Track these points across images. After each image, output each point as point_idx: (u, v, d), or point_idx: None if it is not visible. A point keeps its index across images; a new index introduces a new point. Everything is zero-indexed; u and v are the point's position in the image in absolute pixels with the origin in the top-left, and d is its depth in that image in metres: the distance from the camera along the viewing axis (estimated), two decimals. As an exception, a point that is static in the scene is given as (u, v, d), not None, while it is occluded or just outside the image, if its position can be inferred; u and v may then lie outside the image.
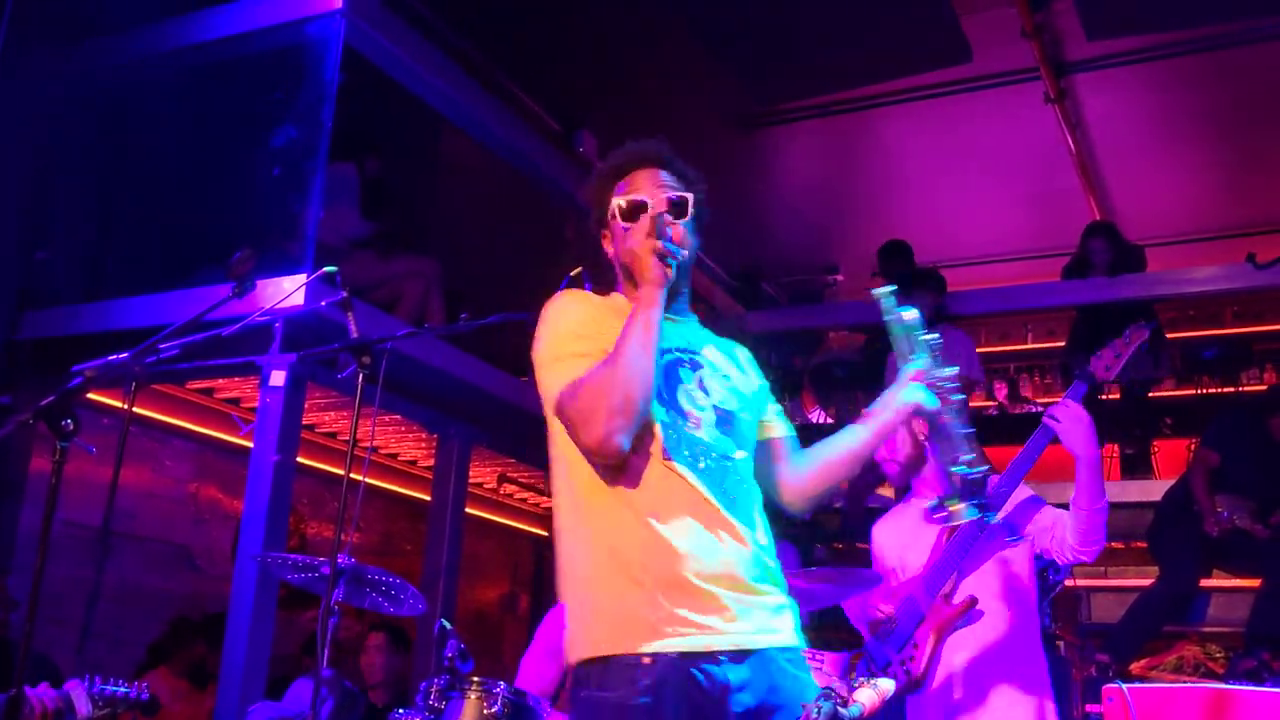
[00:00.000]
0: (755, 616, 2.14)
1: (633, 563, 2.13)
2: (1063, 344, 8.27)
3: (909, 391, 2.39)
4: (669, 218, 2.28)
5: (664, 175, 2.37)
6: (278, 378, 4.60)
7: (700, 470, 2.20)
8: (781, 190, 9.29)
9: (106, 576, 5.66)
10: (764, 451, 2.42)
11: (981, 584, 3.39)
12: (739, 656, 2.09)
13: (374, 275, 5.88)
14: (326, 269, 3.73)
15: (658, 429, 2.20)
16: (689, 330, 2.41)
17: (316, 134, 4.96)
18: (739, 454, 2.27)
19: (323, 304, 4.11)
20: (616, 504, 2.18)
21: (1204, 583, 5.99)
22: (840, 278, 10.43)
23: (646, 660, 2.04)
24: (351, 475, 3.40)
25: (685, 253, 2.29)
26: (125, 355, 2.54)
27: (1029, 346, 10.04)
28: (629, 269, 2.30)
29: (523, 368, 6.36)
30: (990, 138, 8.28)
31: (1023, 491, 3.47)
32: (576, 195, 7.21)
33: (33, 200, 5.45)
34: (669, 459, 2.18)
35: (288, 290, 4.35)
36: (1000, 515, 3.40)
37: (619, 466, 2.17)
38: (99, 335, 4.92)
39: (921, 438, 3.59)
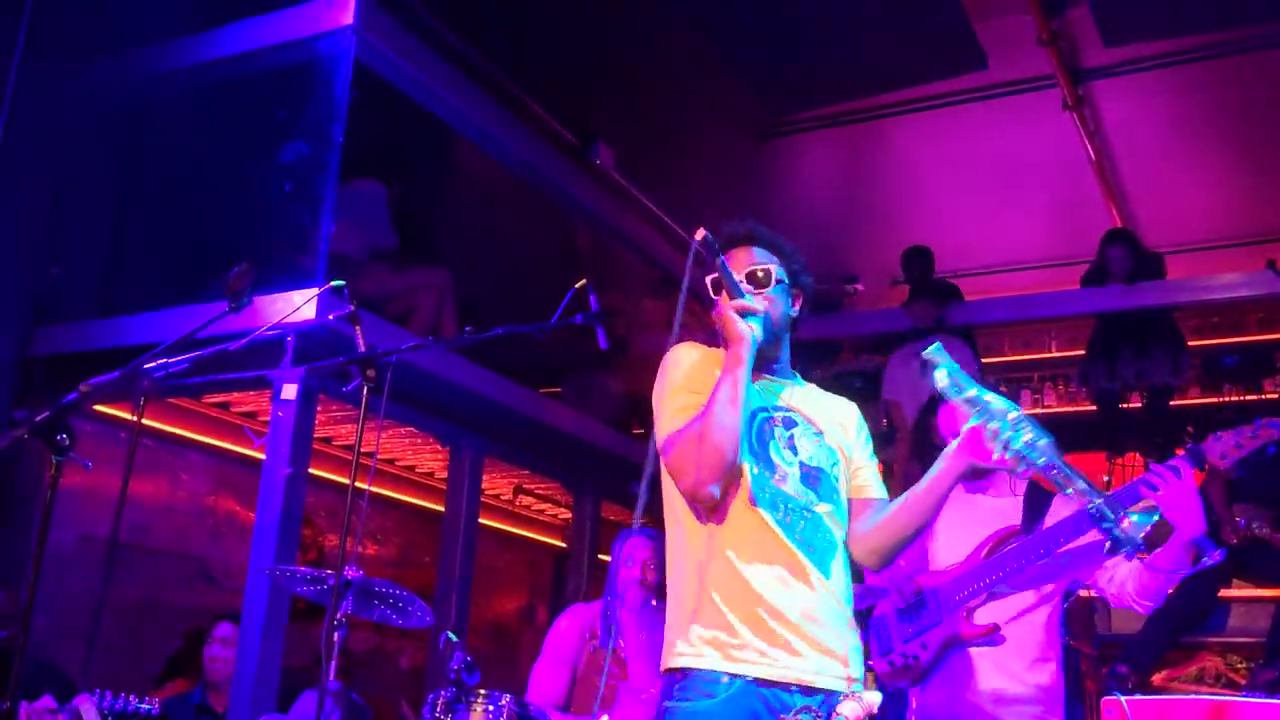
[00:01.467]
0: (820, 658, 2.33)
1: (718, 593, 2.39)
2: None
3: (958, 451, 2.41)
4: (748, 286, 2.52)
5: (755, 251, 2.61)
6: (289, 391, 4.63)
7: (780, 519, 2.42)
8: (799, 200, 9.28)
9: (124, 590, 5.70)
10: (852, 509, 2.58)
11: (1011, 607, 3.31)
12: (808, 691, 2.29)
13: (388, 288, 5.91)
14: (334, 283, 3.75)
15: (747, 478, 2.44)
16: (787, 389, 2.62)
17: (328, 150, 5.00)
18: (820, 507, 2.46)
19: (330, 318, 4.13)
20: (708, 540, 2.43)
21: (1225, 593, 5.92)
22: (860, 287, 10.40)
23: (724, 679, 2.31)
24: (357, 484, 3.41)
25: (765, 312, 2.47)
26: (115, 374, 2.55)
27: (1053, 355, 9.94)
28: (722, 335, 2.47)
29: (537, 381, 6.41)
30: (1008, 145, 8.25)
31: (1093, 534, 3.26)
32: (591, 206, 7.22)
33: (47, 217, 5.50)
34: (754, 506, 2.42)
35: (298, 304, 4.38)
36: (1065, 549, 3.24)
37: (713, 508, 2.42)
38: (112, 351, 4.96)
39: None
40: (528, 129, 6.64)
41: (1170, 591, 5.65)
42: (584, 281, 3.35)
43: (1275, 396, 8.33)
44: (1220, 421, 6.97)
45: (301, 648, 5.73)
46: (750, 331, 2.40)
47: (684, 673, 2.35)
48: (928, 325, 7.18)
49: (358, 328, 3.65)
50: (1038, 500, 3.42)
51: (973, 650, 3.32)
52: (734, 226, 2.65)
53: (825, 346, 9.40)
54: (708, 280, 2.53)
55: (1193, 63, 7.34)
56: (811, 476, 2.49)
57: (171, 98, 5.66)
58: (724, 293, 2.48)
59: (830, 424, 2.60)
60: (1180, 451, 3.18)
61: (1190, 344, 8.05)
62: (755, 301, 2.46)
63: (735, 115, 8.25)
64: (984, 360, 7.77)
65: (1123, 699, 2.39)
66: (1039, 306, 8.36)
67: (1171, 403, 7.83)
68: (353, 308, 3.66)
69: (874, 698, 1.93)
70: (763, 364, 2.56)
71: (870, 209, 9.36)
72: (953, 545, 3.48)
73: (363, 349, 3.55)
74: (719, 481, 2.36)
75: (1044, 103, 7.66)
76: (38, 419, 2.23)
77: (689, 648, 2.37)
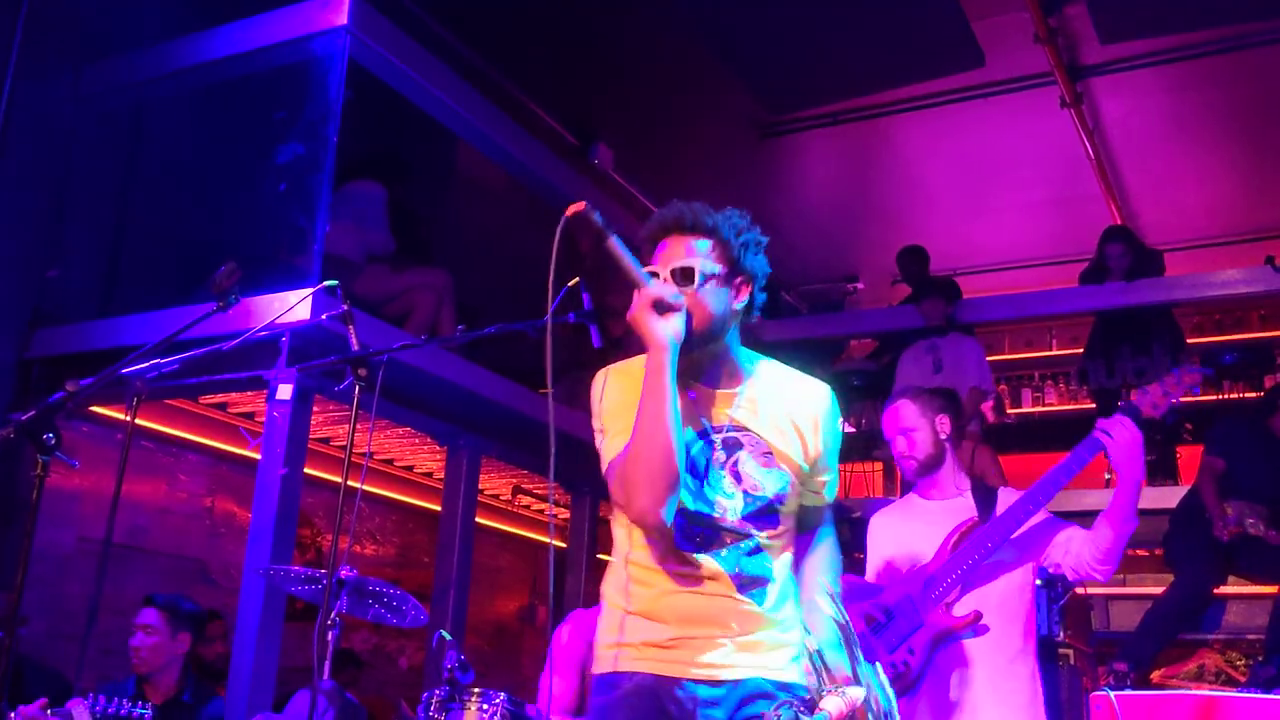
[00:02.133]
0: (731, 651, 2.25)
1: (645, 612, 2.31)
2: (1085, 350, 8.18)
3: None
4: (670, 282, 2.24)
5: (687, 243, 2.30)
6: (284, 391, 4.64)
7: (714, 553, 2.29)
8: (798, 199, 9.28)
9: (124, 592, 5.71)
10: (800, 514, 2.44)
11: (985, 598, 3.35)
12: (715, 683, 2.23)
13: (387, 289, 5.93)
14: (327, 283, 3.77)
15: (676, 519, 2.26)
16: (734, 399, 2.37)
17: (323, 150, 5.00)
18: (758, 535, 2.31)
19: (324, 318, 4.15)
20: (645, 565, 2.33)
21: (1224, 590, 5.91)
22: (860, 286, 10.41)
23: (624, 676, 2.27)
24: (350, 484, 3.41)
25: (678, 299, 2.19)
26: (96, 376, 2.56)
27: (1054, 353, 9.95)
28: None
29: (533, 379, 6.41)
30: (1006, 143, 8.25)
31: (1041, 513, 3.38)
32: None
33: (45, 219, 5.52)
34: (683, 549, 2.29)
35: (293, 304, 4.39)
36: (1018, 532, 3.32)
37: (652, 540, 2.31)
38: (111, 352, 4.97)
39: (943, 437, 3.57)
40: (525, 130, 6.64)
41: (1163, 590, 5.70)
42: (577, 280, 3.32)
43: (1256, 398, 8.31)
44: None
45: (302, 649, 5.74)
46: (670, 334, 2.15)
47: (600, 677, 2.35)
48: (938, 322, 7.18)
49: (351, 327, 3.65)
50: (986, 493, 3.49)
51: (952, 653, 3.34)
52: (664, 213, 2.34)
53: (826, 345, 9.42)
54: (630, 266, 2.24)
55: (1190, 60, 7.32)
56: (753, 510, 2.31)
57: (168, 99, 5.68)
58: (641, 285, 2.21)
59: (784, 436, 2.36)
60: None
61: (1191, 341, 8.05)
62: (670, 293, 2.17)
63: (734, 114, 8.24)
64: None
65: (1111, 694, 2.38)
66: (1038, 304, 8.35)
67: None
68: (346, 307, 3.66)
69: (857, 693, 1.92)
70: (699, 373, 2.35)
71: (870, 207, 9.36)
72: (916, 551, 3.52)
73: (356, 348, 3.56)
74: (662, 500, 2.18)
75: (1042, 100, 7.65)
76: (23, 418, 2.23)
77: (606, 654, 2.35)
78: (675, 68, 7.57)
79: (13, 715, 2.77)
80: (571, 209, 2.12)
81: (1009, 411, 8.56)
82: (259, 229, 5.17)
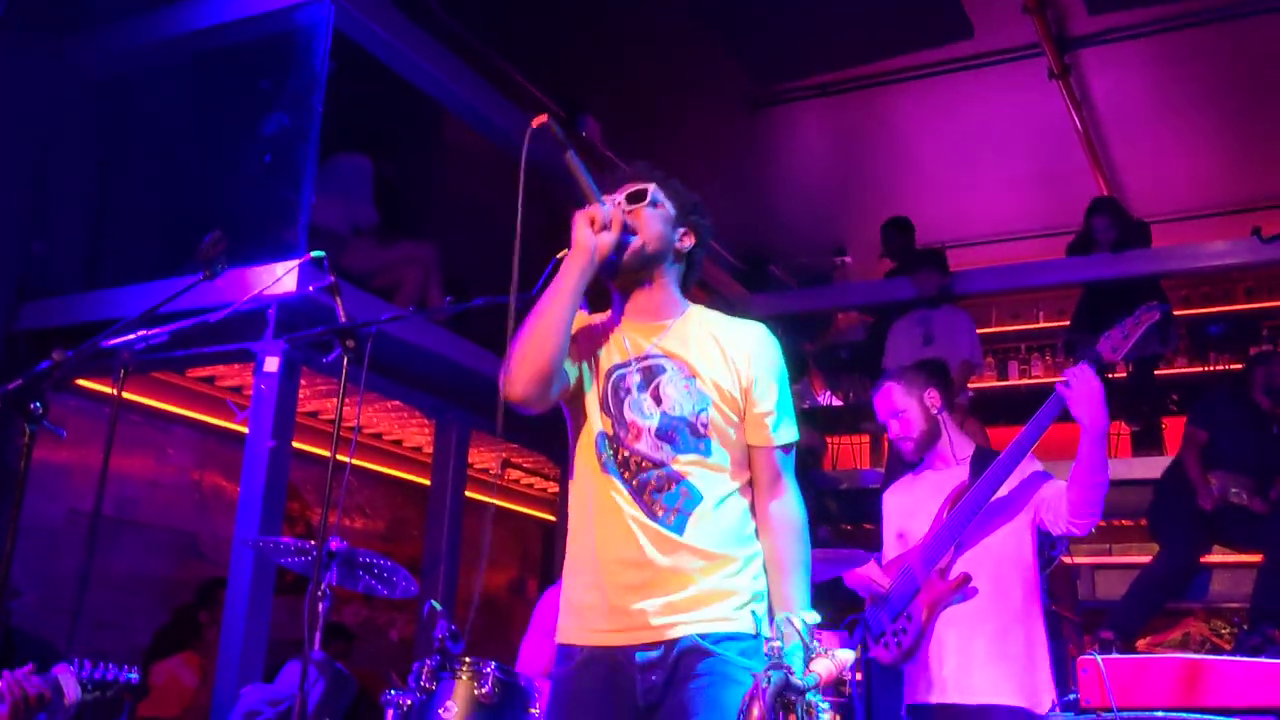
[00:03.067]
0: (665, 613, 2.28)
1: (578, 566, 2.40)
2: (1072, 323, 8.21)
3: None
4: (621, 201, 2.38)
5: (647, 183, 2.46)
6: (271, 363, 4.63)
7: (627, 480, 2.33)
8: (787, 172, 9.25)
9: (113, 564, 5.71)
10: (750, 457, 2.44)
11: (980, 559, 3.40)
12: (651, 646, 2.27)
13: (374, 262, 5.90)
14: (314, 253, 3.74)
15: (595, 442, 2.37)
16: (664, 331, 2.43)
17: (308, 120, 4.98)
18: (679, 460, 2.33)
19: (311, 289, 4.13)
20: (575, 509, 2.42)
21: (1209, 559, 5.97)
22: (848, 259, 10.40)
23: (577, 649, 2.35)
24: (339, 457, 3.41)
25: (629, 229, 2.34)
26: (82, 346, 2.55)
27: (1040, 325, 9.96)
28: None
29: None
30: (995, 115, 8.22)
31: (1031, 465, 3.45)
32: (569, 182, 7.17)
33: (30, 192, 5.48)
34: (605, 471, 2.35)
35: (279, 275, 4.37)
36: (1003, 490, 3.37)
37: (579, 476, 2.40)
38: (97, 324, 4.93)
39: (934, 411, 3.59)
40: (512, 101, 6.61)
41: (1150, 559, 5.75)
42: (565, 252, 3.30)
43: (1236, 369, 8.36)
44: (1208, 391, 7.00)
45: (293, 621, 5.74)
46: (593, 244, 2.29)
47: (561, 647, 2.40)
48: (932, 294, 7.17)
49: (338, 299, 3.64)
50: (984, 458, 3.51)
51: (952, 616, 3.37)
52: (622, 168, 2.55)
53: (814, 319, 9.42)
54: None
55: (1178, 30, 7.30)
56: (672, 428, 2.34)
57: (152, 70, 5.64)
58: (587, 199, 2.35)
59: (711, 361, 2.40)
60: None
61: (1177, 313, 8.07)
62: (608, 210, 2.31)
63: (723, 85, 8.20)
64: (972, 331, 7.77)
65: (1098, 658, 2.40)
66: (1025, 276, 8.37)
67: (1157, 372, 7.85)
68: (333, 279, 3.65)
69: (846, 655, 1.94)
70: (634, 305, 2.45)
71: (858, 179, 9.33)
72: (918, 522, 3.58)
73: (344, 320, 3.55)
74: (526, 382, 2.27)
75: (1030, 72, 7.61)
76: (9, 387, 2.22)
77: (563, 622, 2.41)
78: (664, 38, 7.52)
79: (4, 681, 2.76)
80: (535, 121, 2.25)
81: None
82: (245, 201, 5.14)
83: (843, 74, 8.05)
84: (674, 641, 2.26)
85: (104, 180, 5.74)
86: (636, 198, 2.41)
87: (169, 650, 5.58)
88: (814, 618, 2.14)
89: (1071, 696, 2.62)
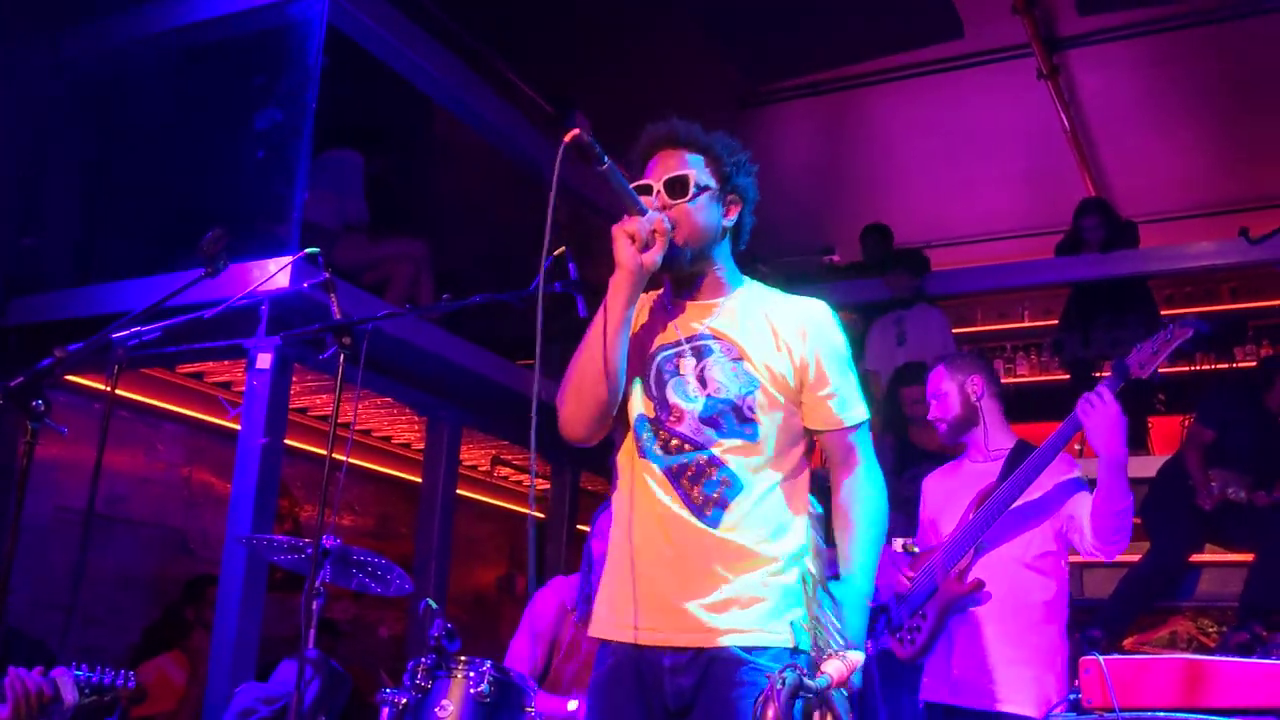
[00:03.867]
0: (695, 613, 2.18)
1: (615, 556, 2.31)
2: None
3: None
4: (665, 197, 2.25)
5: (678, 156, 2.31)
6: (264, 360, 4.61)
7: (666, 466, 2.24)
8: (776, 170, 9.11)
9: (102, 561, 5.68)
10: (823, 442, 2.36)
11: (999, 562, 3.37)
12: (680, 650, 2.18)
13: (364, 258, 5.89)
14: (309, 250, 3.72)
15: (635, 425, 2.28)
16: (715, 311, 2.33)
17: (301, 116, 4.96)
18: (721, 445, 2.22)
19: (305, 285, 4.11)
20: (618, 499, 2.34)
21: (1196, 558, 5.99)
22: (836, 258, 10.41)
23: (610, 648, 2.27)
24: (334, 456, 3.39)
25: (670, 232, 2.19)
26: (85, 342, 2.53)
27: (1026, 325, 9.99)
28: None
29: (514, 351, 6.38)
30: (984, 115, 8.26)
31: (1067, 468, 3.40)
32: (568, 177, 7.17)
33: (19, 186, 5.45)
34: (642, 456, 2.27)
35: (272, 272, 4.35)
36: (1027, 497, 3.32)
37: (620, 462, 2.32)
38: (88, 320, 4.92)
39: (973, 398, 3.57)
40: (504, 98, 6.59)
41: (1139, 558, 5.77)
42: (563, 249, 3.27)
43: (1247, 365, 8.41)
44: (1194, 390, 7.04)
45: (281, 618, 5.73)
46: (636, 261, 2.15)
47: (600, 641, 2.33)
48: (906, 295, 7.20)
49: (333, 295, 3.62)
50: (1020, 455, 3.46)
51: (968, 616, 3.37)
52: (655, 128, 2.35)
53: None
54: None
55: (1166, 32, 7.36)
56: (716, 412, 2.23)
57: (145, 66, 5.60)
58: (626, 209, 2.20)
59: (761, 342, 2.28)
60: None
61: (1163, 313, 8.10)
62: (650, 221, 2.16)
63: (714, 84, 8.21)
64: (956, 331, 7.80)
65: (1100, 658, 2.41)
66: (1015, 276, 8.39)
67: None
68: (328, 275, 3.62)
69: (857, 657, 1.94)
70: (686, 287, 2.34)
71: (847, 178, 9.36)
72: (947, 516, 3.56)
73: (338, 316, 3.53)
74: (587, 420, 2.23)
75: (1019, 72, 7.66)
76: (11, 384, 2.20)
77: (598, 615, 2.34)
78: (654, 36, 7.52)
79: (9, 678, 2.75)
80: (569, 136, 2.09)
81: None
82: (237, 196, 5.12)
83: (832, 73, 8.09)
84: (706, 649, 2.17)
85: (96, 175, 5.70)
86: (677, 191, 2.26)
87: (158, 648, 5.55)
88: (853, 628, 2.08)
89: (1072, 696, 2.63)
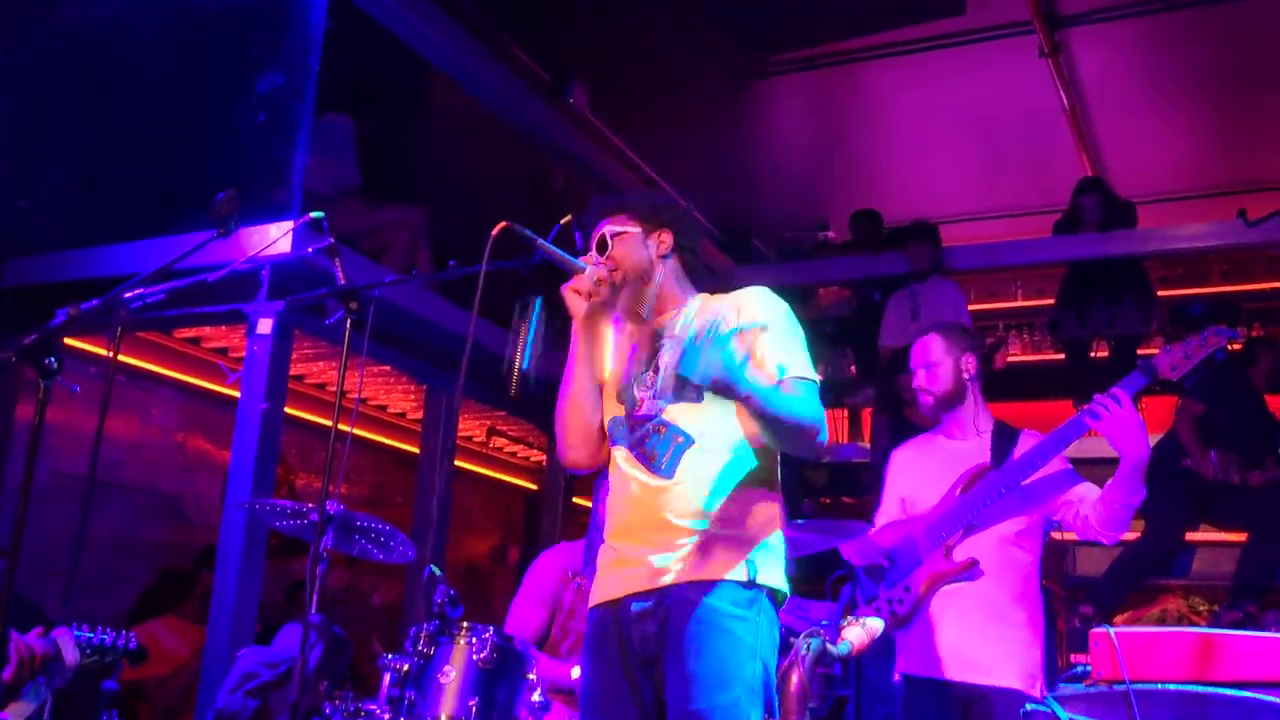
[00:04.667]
0: (654, 561, 2.43)
1: (604, 533, 2.62)
2: (1052, 302, 8.26)
3: None
4: (594, 256, 2.63)
5: (604, 222, 2.69)
6: (265, 325, 4.58)
7: (629, 443, 2.57)
8: (773, 145, 9.23)
9: (98, 526, 5.65)
10: None
11: (988, 543, 3.37)
12: (644, 595, 2.43)
13: (361, 224, 5.84)
14: (313, 215, 3.69)
15: (609, 426, 2.64)
16: (666, 323, 2.67)
17: (304, 80, 4.92)
18: (670, 409, 2.52)
19: (309, 250, 4.08)
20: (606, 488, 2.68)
21: (1188, 537, 6.04)
22: (831, 234, 10.40)
23: (594, 612, 2.56)
24: (340, 427, 3.37)
25: (609, 278, 2.58)
26: (98, 300, 2.51)
27: (1019, 304, 10.02)
28: None
29: (509, 319, 6.35)
30: (983, 92, 8.23)
31: (1058, 463, 3.39)
32: (566, 146, 7.14)
33: (16, 148, 5.39)
34: (613, 444, 2.63)
35: (274, 237, 4.32)
36: (1026, 481, 3.32)
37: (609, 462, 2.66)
38: (85, 282, 4.88)
39: (966, 376, 3.54)
40: (503, 66, 6.54)
41: (1135, 536, 5.81)
42: (569, 217, 3.27)
43: (1236, 348, 8.45)
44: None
45: (275, 585, 5.72)
46: (585, 307, 2.58)
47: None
48: (923, 267, 7.20)
49: (337, 260, 3.59)
50: (1007, 436, 3.47)
51: (951, 590, 3.38)
52: (588, 207, 2.76)
53: (796, 294, 9.42)
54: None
55: (1166, 12, 7.34)
56: (665, 387, 2.55)
57: (145, 27, 5.53)
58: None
59: (704, 327, 2.58)
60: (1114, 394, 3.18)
61: (1158, 294, 8.14)
62: (591, 275, 2.56)
63: (712, 57, 8.15)
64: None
65: (1111, 630, 2.42)
66: (1014, 254, 8.41)
67: (1138, 351, 7.92)
68: (332, 240, 3.60)
69: (876, 624, 1.94)
70: (643, 307, 2.67)
71: (844, 153, 9.34)
72: (928, 491, 3.54)
73: (343, 282, 3.50)
74: (577, 448, 2.66)
75: (1020, 50, 7.63)
76: (25, 342, 2.18)
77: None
78: (654, 7, 7.47)
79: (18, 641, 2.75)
80: (496, 230, 2.52)
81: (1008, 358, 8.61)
82: (237, 160, 5.07)
83: (831, 47, 8.03)
84: (665, 590, 2.39)
85: (93, 138, 5.64)
86: (604, 248, 2.63)
87: (152, 613, 5.54)
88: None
89: (1079, 669, 2.64)
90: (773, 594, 2.38)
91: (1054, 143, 8.56)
